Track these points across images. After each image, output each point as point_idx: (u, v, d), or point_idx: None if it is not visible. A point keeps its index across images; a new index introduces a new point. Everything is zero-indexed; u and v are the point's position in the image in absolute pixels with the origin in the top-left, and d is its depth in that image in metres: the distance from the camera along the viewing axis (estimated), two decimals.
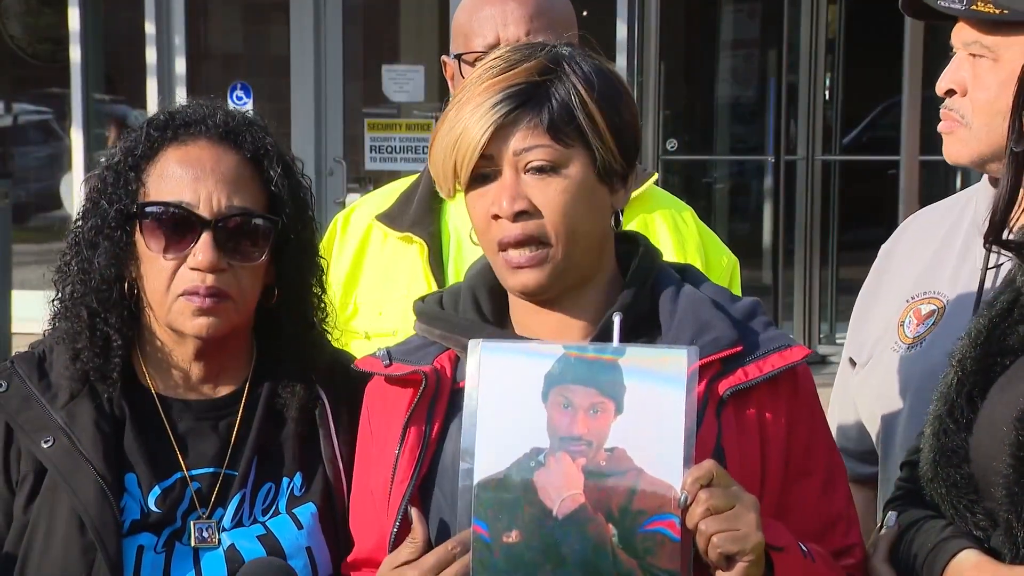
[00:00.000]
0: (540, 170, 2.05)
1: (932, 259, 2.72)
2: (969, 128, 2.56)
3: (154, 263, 2.25)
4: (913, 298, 2.70)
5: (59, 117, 11.40)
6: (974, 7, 2.52)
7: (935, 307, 2.66)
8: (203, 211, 2.24)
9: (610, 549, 1.90)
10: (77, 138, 10.64)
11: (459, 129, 2.06)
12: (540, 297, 2.11)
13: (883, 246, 2.85)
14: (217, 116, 2.30)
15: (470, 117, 2.05)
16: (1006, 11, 2.50)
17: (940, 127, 2.62)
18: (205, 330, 2.25)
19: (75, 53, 10.51)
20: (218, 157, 2.27)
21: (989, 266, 2.58)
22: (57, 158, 11.58)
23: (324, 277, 2.42)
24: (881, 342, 2.71)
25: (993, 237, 2.22)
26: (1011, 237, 2.22)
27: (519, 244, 2.06)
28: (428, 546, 2.04)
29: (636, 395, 1.93)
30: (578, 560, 1.91)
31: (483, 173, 2.07)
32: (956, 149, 2.60)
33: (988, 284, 2.59)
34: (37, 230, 10.95)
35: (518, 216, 2.05)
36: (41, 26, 11.74)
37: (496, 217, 2.06)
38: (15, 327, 8.71)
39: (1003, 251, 2.24)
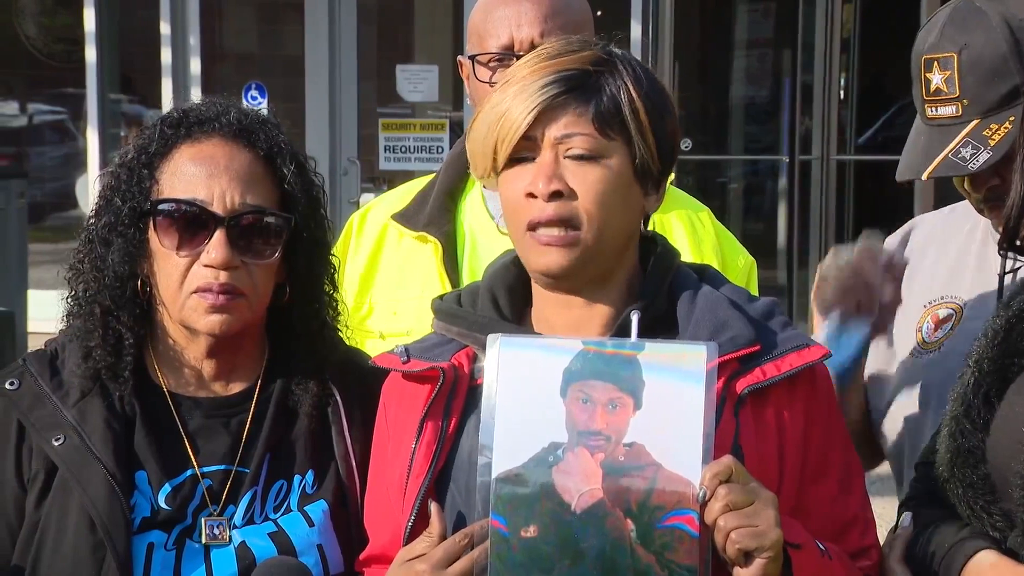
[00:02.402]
0: (580, 157, 2.05)
1: (950, 264, 2.70)
2: None
3: (167, 260, 2.25)
4: (931, 303, 2.69)
5: (74, 117, 11.43)
6: (972, 163, 2.47)
7: (952, 311, 2.65)
8: (217, 208, 2.24)
9: (628, 544, 1.90)
10: (92, 138, 10.66)
11: (504, 107, 2.05)
12: (562, 284, 2.10)
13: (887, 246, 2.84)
14: (231, 114, 2.30)
15: (517, 95, 2.05)
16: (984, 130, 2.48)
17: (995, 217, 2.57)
18: (218, 327, 2.25)
19: (90, 53, 10.53)
20: (232, 155, 2.27)
21: (1007, 271, 2.57)
22: (73, 158, 11.61)
23: (336, 275, 2.42)
24: (900, 346, 2.70)
25: (1007, 243, 2.21)
26: None
27: (550, 225, 2.05)
28: (444, 541, 2.04)
29: (655, 390, 1.93)
30: (596, 555, 1.91)
31: (521, 156, 2.07)
32: None
33: (1006, 288, 2.58)
34: (53, 230, 10.97)
35: (553, 196, 2.04)
36: (57, 26, 11.77)
37: (531, 196, 2.06)
38: (31, 326, 8.73)
39: (1017, 256, 2.23)
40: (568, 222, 2.05)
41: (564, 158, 2.05)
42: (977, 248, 2.67)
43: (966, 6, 2.54)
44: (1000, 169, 2.46)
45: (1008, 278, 2.56)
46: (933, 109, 2.53)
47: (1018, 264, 2.55)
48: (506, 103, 2.05)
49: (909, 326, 2.69)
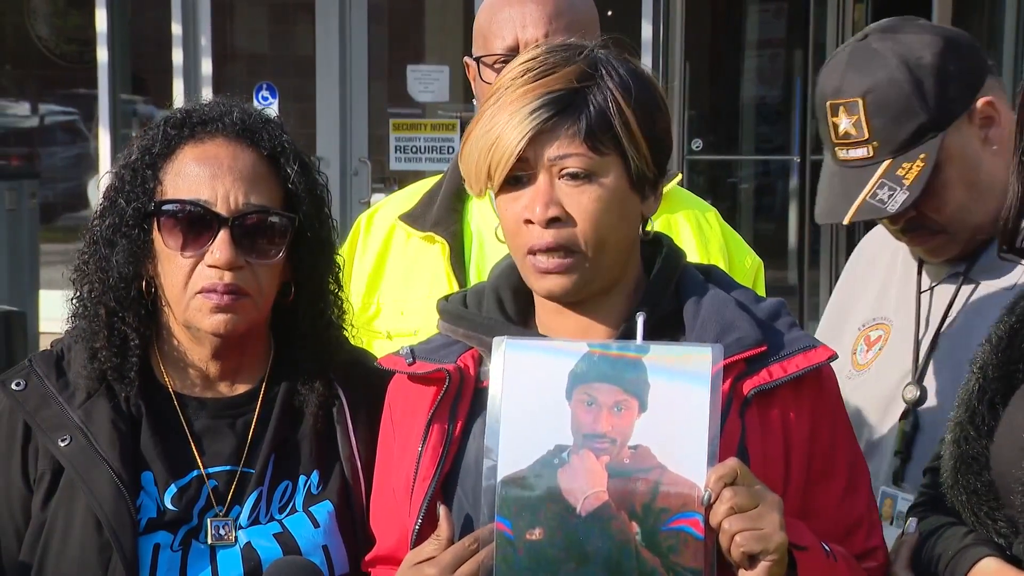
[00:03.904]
0: (575, 176, 2.05)
1: (879, 285, 2.74)
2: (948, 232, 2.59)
3: (172, 261, 2.26)
4: (864, 325, 2.72)
5: (86, 118, 11.45)
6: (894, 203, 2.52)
7: (883, 332, 2.68)
8: (220, 209, 2.24)
9: (633, 547, 1.90)
10: (104, 139, 10.67)
11: (495, 133, 2.05)
12: (566, 300, 2.10)
13: (842, 273, 2.87)
14: (234, 114, 2.30)
15: (507, 122, 2.04)
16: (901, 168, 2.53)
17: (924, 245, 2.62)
18: (223, 327, 2.25)
19: (102, 54, 10.55)
20: (235, 155, 2.27)
21: (923, 289, 2.60)
22: (84, 159, 11.64)
23: (341, 275, 2.41)
24: (840, 372, 2.71)
25: (1006, 245, 2.21)
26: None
27: (549, 251, 2.05)
28: (452, 544, 2.04)
29: (660, 393, 1.93)
30: (601, 558, 1.91)
31: (516, 176, 2.06)
32: (948, 251, 2.61)
33: (924, 305, 2.62)
34: (64, 230, 10.98)
35: (551, 223, 2.04)
36: (68, 27, 11.79)
37: (528, 222, 2.06)
38: (42, 326, 8.76)
39: (1017, 259, 2.23)
40: (566, 248, 2.05)
41: (559, 179, 2.05)
42: (900, 266, 2.70)
43: (863, 49, 2.58)
44: (916, 203, 2.51)
45: (925, 296, 2.60)
46: (844, 151, 2.57)
47: (934, 283, 2.59)
48: (497, 129, 2.05)
49: (846, 350, 2.71)
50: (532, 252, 2.06)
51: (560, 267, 2.05)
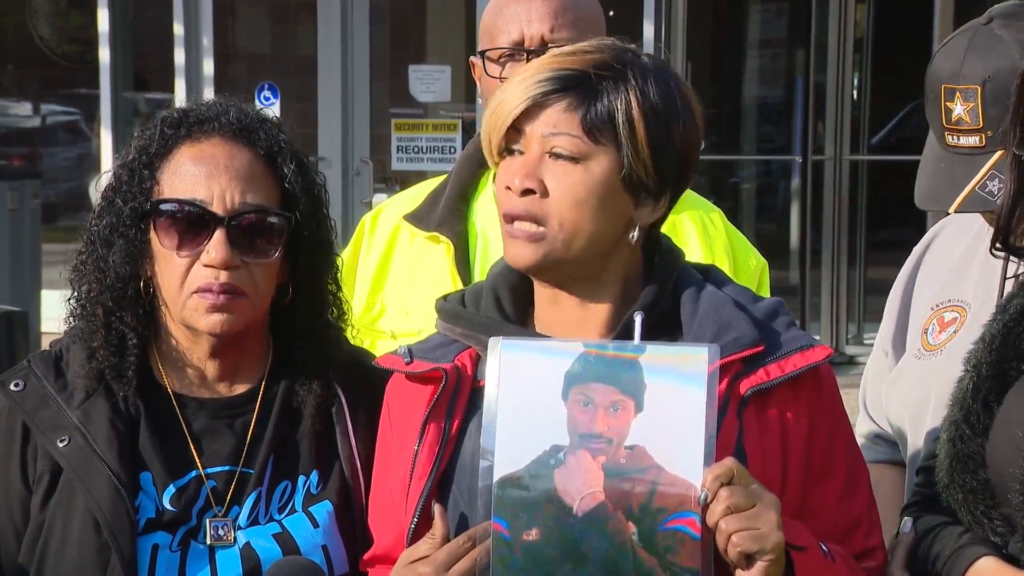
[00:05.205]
0: (561, 156, 2.05)
1: (957, 266, 2.69)
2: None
3: (168, 261, 2.25)
4: (938, 305, 2.68)
5: (88, 118, 11.47)
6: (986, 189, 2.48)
7: (957, 315, 2.64)
8: (217, 208, 2.24)
9: (630, 547, 1.90)
10: (106, 139, 10.68)
11: (501, 96, 2.07)
12: (543, 277, 2.10)
13: (916, 248, 2.84)
14: (230, 113, 2.30)
15: (514, 88, 2.06)
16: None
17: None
18: (219, 327, 2.25)
19: (104, 54, 10.56)
20: (231, 154, 2.27)
21: (1009, 275, 2.56)
22: (86, 159, 11.66)
23: (339, 275, 2.41)
24: (908, 349, 2.69)
25: (1001, 243, 2.20)
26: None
27: (521, 219, 2.06)
28: (447, 543, 2.04)
29: (656, 393, 1.93)
30: (598, 558, 1.91)
31: (514, 147, 2.07)
32: None
33: (1007, 293, 2.57)
34: (66, 230, 10.97)
35: (525, 192, 2.05)
36: (70, 27, 11.81)
37: (508, 189, 2.07)
38: (44, 327, 8.77)
39: (1011, 257, 2.22)
40: (537, 219, 2.05)
41: (548, 156, 2.05)
42: (984, 250, 2.66)
43: (986, 34, 2.51)
44: None
45: (1009, 284, 2.55)
46: (954, 137, 2.51)
47: (1021, 270, 2.54)
48: (504, 93, 2.07)
49: (917, 328, 2.69)
50: (509, 220, 2.07)
51: (528, 236, 2.06)
